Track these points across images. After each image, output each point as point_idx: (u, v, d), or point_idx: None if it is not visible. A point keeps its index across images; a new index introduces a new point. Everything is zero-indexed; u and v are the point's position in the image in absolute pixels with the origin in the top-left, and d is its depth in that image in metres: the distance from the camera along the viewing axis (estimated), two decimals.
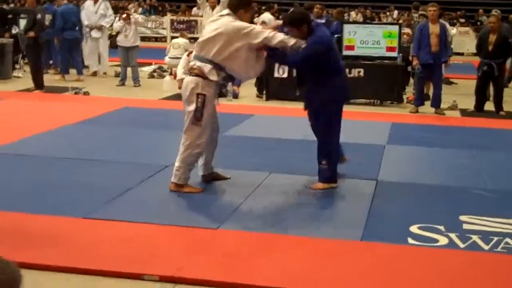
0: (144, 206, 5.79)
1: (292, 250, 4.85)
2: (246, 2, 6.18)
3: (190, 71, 6.03)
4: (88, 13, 14.97)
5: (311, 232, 5.21)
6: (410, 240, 5.06)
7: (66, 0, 15.73)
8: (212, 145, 6.44)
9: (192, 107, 5.94)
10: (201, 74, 5.91)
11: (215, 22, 6.05)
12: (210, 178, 6.54)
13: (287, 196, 6.24)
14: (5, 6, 15.99)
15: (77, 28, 14.63)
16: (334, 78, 6.40)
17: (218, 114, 6.48)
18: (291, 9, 6.39)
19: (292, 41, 6.03)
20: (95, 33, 14.85)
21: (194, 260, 4.61)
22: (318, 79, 6.31)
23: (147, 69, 15.58)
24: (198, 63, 5.93)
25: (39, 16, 12.57)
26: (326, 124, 6.52)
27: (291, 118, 9.49)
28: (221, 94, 6.44)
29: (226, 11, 6.09)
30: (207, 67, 5.89)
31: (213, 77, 5.91)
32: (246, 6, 6.13)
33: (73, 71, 14.74)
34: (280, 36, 5.99)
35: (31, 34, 12.41)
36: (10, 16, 15.06)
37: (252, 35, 5.90)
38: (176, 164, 6.11)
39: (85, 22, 14.92)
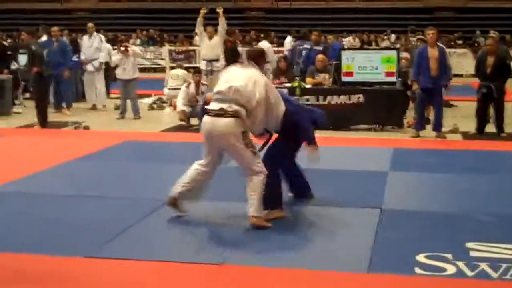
0: (147, 243, 5.73)
1: (297, 283, 4.78)
2: (262, 55, 6.45)
3: (224, 112, 5.91)
4: (84, 47, 15.07)
5: (315, 265, 5.14)
6: (418, 270, 4.99)
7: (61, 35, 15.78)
8: (208, 181, 6.40)
9: (243, 149, 5.95)
10: (238, 115, 5.90)
11: (245, 70, 6.12)
12: (173, 203, 6.38)
13: (290, 227, 6.17)
14: (4, 43, 16.05)
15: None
16: None
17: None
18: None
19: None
20: (90, 67, 14.92)
21: None
22: None
23: (147, 101, 15.57)
24: (235, 106, 5.90)
25: (33, 48, 12.57)
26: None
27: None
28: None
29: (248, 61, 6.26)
30: (242, 111, 5.92)
31: (248, 122, 5.97)
32: (263, 59, 6.41)
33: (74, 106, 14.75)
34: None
35: (36, 69, 12.42)
36: (9, 52, 15.10)
37: (277, 103, 6.15)
38: (254, 198, 6.05)
39: (82, 56, 15.00)
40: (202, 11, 14.65)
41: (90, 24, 15.44)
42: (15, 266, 5.11)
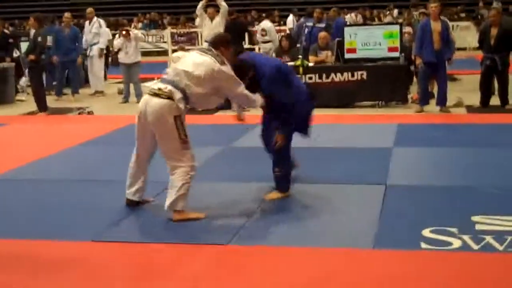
0: (153, 225, 5.75)
1: (302, 261, 4.80)
2: (227, 41, 6.10)
3: (159, 92, 5.73)
4: (85, 33, 15.08)
5: (321, 242, 5.17)
6: (423, 245, 4.99)
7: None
8: (144, 171, 6.22)
9: (174, 133, 5.71)
10: (172, 97, 5.69)
11: (200, 56, 5.88)
12: (136, 204, 6.24)
13: (296, 206, 6.19)
14: (6, 31, 16.02)
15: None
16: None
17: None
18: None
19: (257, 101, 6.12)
20: (91, 53, 14.94)
21: (207, 277, 4.57)
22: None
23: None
24: (170, 87, 5.71)
25: (39, 39, 12.57)
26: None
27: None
28: (222, 107, 6.29)
29: (208, 46, 6.11)
30: (178, 94, 5.70)
31: (181, 105, 5.71)
32: (226, 45, 6.04)
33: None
34: (251, 96, 6.02)
35: (32, 57, 12.41)
36: (11, 40, 15.10)
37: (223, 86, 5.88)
38: (176, 191, 5.77)
39: (83, 42, 15.02)
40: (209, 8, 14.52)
41: (89, 10, 15.42)
42: (23, 252, 5.14)
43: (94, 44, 14.96)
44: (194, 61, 5.82)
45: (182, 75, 5.76)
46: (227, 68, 5.83)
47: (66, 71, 14.72)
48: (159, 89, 5.74)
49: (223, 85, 5.84)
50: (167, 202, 5.78)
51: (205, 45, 14.55)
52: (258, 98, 6.12)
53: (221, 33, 5.98)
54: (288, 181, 6.50)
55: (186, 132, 5.76)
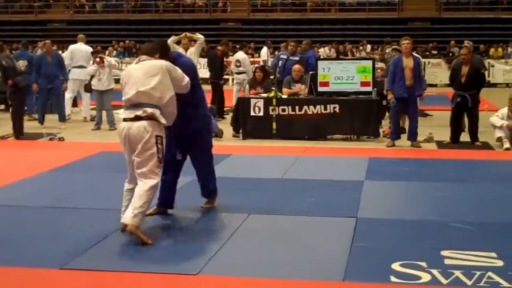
0: (123, 253, 5.71)
1: None
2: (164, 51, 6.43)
3: (140, 115, 5.95)
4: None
5: (291, 274, 5.15)
6: (393, 278, 5.01)
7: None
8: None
9: (153, 149, 5.97)
10: (153, 117, 5.97)
11: (141, 68, 6.14)
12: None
13: (267, 237, 6.18)
14: None
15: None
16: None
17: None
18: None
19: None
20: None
21: None
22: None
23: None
24: (149, 109, 5.95)
25: (4, 62, 12.49)
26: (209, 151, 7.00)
27: (269, 157, 9.50)
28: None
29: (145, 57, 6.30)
30: (157, 111, 5.99)
31: (163, 120, 6.03)
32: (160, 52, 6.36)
33: (48, 117, 14.62)
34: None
35: (10, 82, 12.36)
36: None
37: (179, 79, 6.24)
38: (137, 207, 5.90)
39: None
40: (182, 36, 14.52)
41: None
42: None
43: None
44: (143, 73, 6.07)
45: (148, 94, 5.99)
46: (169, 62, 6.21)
47: (52, 97, 14.48)
48: (136, 116, 5.94)
49: (174, 76, 6.15)
50: (128, 213, 5.92)
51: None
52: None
53: (147, 43, 6.44)
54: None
55: (163, 152, 6.05)
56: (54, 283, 4.99)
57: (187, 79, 6.30)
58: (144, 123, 5.96)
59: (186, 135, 6.67)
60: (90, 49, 14.95)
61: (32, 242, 5.99)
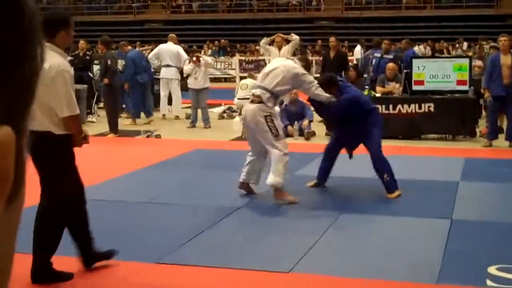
0: (217, 249, 5.82)
1: None
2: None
3: (252, 98, 7.27)
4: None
5: (383, 275, 5.13)
6: (489, 282, 4.91)
7: (130, 46, 16.18)
8: (259, 161, 7.46)
9: (265, 128, 7.09)
10: (262, 101, 7.13)
11: (277, 61, 7.72)
12: (245, 187, 7.60)
13: (358, 237, 6.17)
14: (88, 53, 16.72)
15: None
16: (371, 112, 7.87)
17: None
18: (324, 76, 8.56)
19: (327, 96, 7.47)
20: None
21: None
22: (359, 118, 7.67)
23: (217, 110, 15.76)
24: (259, 91, 7.20)
25: (109, 61, 12.91)
26: (377, 136, 7.71)
27: (361, 156, 9.40)
28: (288, 135, 7.27)
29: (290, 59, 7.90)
30: (265, 95, 7.15)
31: (270, 103, 7.20)
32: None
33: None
34: (321, 90, 7.44)
35: (105, 81, 12.75)
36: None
37: (306, 83, 7.42)
38: (273, 168, 7.10)
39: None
40: (275, 37, 14.50)
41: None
42: (87, 272, 5.26)
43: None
44: (277, 64, 7.50)
45: (266, 76, 7.32)
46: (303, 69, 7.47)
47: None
48: (252, 94, 7.36)
49: (303, 84, 7.44)
50: (268, 178, 7.17)
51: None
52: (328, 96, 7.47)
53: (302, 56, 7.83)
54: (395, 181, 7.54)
55: (277, 128, 7.15)
56: (151, 277, 5.14)
57: (313, 88, 7.51)
58: (253, 106, 7.31)
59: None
60: (178, 48, 15.19)
61: (128, 236, 6.19)
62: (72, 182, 5.06)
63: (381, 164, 7.55)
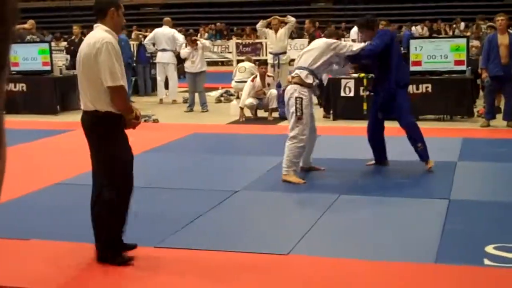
0: (215, 233, 5.83)
1: (364, 274, 4.79)
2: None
3: (291, 79, 7.61)
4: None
5: (383, 255, 5.14)
6: (486, 261, 4.93)
7: (126, 31, 16.24)
8: (311, 142, 7.71)
9: (293, 108, 7.30)
10: (299, 82, 7.39)
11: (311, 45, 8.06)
12: (308, 169, 7.82)
13: (357, 218, 6.18)
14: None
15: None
16: (400, 65, 8.04)
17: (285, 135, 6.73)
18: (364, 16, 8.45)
19: (361, 46, 7.79)
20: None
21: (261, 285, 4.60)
22: (388, 67, 7.77)
23: (214, 94, 15.74)
24: (297, 71, 7.47)
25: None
26: (405, 101, 8.01)
27: (359, 138, 9.40)
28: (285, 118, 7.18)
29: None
30: (303, 73, 7.37)
31: (309, 80, 7.38)
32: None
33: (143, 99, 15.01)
34: (356, 46, 7.83)
35: None
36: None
37: (338, 48, 7.61)
38: (284, 157, 7.31)
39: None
40: (272, 19, 14.51)
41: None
42: (87, 256, 5.27)
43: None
44: (313, 44, 7.86)
45: (302, 56, 7.63)
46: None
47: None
48: (292, 76, 7.65)
49: (337, 51, 7.59)
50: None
51: (270, 56, 14.69)
52: (360, 46, 7.77)
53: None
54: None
55: (303, 110, 7.29)
56: (149, 261, 5.15)
57: (345, 49, 7.79)
58: (289, 87, 7.62)
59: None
60: (174, 32, 15.13)
61: (128, 220, 6.18)
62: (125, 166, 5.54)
63: (415, 132, 7.87)
